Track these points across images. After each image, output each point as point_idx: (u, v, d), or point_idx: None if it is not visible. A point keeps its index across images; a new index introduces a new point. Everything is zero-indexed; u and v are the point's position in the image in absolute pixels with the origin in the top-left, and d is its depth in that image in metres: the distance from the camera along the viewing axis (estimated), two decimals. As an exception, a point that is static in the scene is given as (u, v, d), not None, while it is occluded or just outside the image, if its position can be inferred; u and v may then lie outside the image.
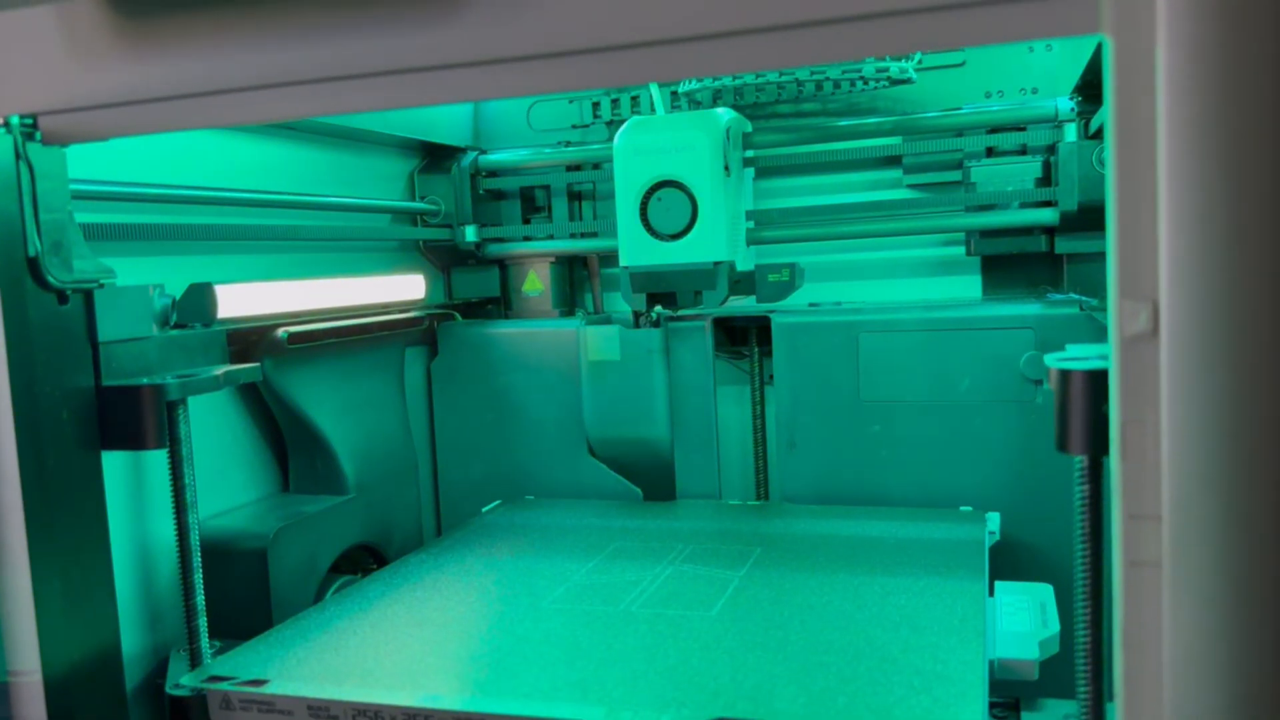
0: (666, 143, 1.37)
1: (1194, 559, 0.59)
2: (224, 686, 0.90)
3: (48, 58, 0.83)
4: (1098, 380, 0.66)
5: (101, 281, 0.92)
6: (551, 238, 1.65)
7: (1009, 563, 1.31)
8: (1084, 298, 1.35)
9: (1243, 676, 0.58)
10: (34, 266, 0.85)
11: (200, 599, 1.01)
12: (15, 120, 0.84)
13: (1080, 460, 0.70)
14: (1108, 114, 0.61)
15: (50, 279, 0.86)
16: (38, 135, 0.85)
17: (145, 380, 0.94)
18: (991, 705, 0.86)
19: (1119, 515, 0.61)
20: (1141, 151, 0.59)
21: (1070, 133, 1.36)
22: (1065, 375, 0.68)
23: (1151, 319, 0.59)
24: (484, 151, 1.65)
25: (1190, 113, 0.57)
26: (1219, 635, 0.58)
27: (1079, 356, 0.70)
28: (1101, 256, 1.45)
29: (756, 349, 1.54)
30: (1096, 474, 0.70)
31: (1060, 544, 1.32)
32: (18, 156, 0.83)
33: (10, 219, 0.83)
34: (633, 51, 0.70)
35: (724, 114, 1.40)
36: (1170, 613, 0.59)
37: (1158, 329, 0.59)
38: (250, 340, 1.21)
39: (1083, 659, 0.72)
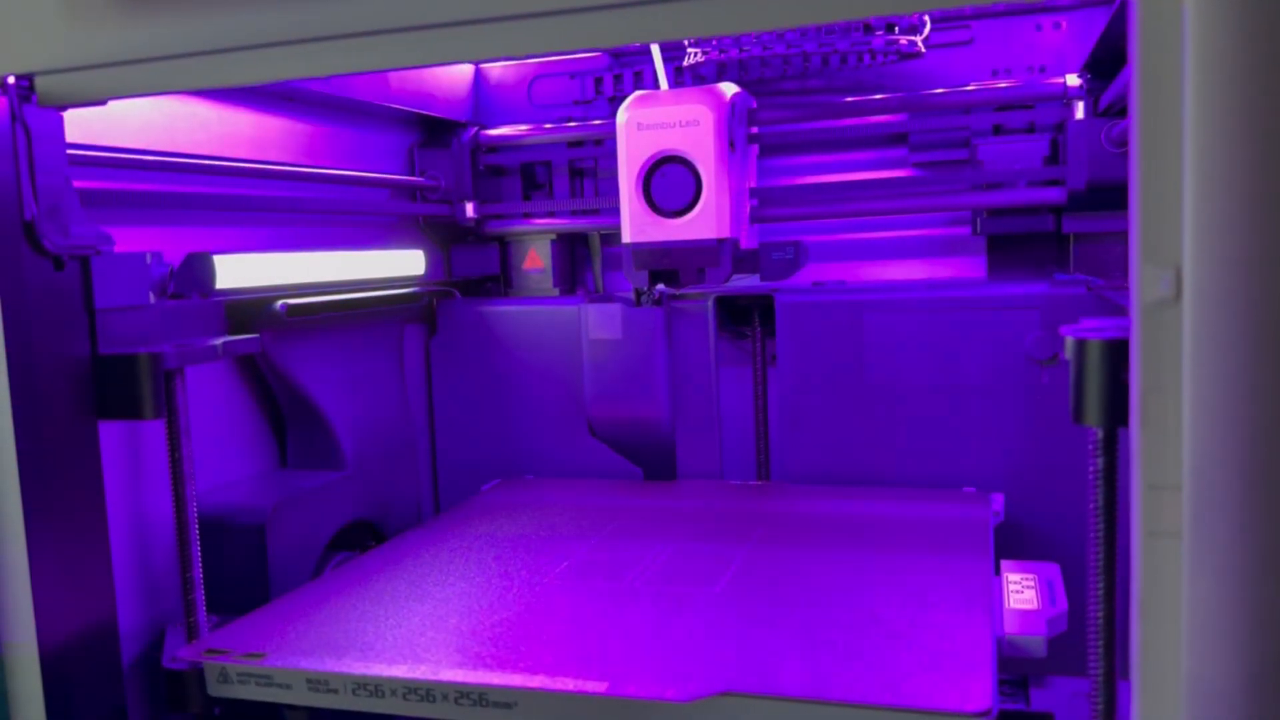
0: (670, 117, 1.35)
1: (1214, 529, 0.58)
2: (221, 660, 0.89)
3: (45, 17, 0.81)
4: (1115, 350, 0.65)
5: (99, 248, 0.90)
6: (552, 215, 1.63)
7: (1013, 544, 1.30)
8: (1091, 278, 1.34)
9: (1262, 648, 0.57)
10: (30, 231, 0.83)
11: (198, 572, 1.00)
12: (11, 80, 0.82)
13: (1095, 432, 0.69)
14: (1132, 75, 0.59)
15: (47, 244, 0.84)
16: (34, 97, 0.84)
17: (143, 349, 0.92)
18: (999, 683, 0.85)
19: (1138, 485, 0.60)
20: (1166, 114, 0.58)
21: (1079, 111, 1.34)
22: (1082, 345, 0.67)
23: (1174, 285, 0.58)
24: (484, 127, 1.63)
25: (1217, 74, 0.56)
26: (1239, 606, 0.57)
27: (1094, 328, 0.69)
28: (1109, 236, 1.45)
29: (759, 328, 1.53)
30: (1112, 446, 0.69)
31: (1065, 525, 1.32)
32: (14, 118, 0.82)
33: (6, 182, 0.82)
34: (635, 9, 0.69)
35: (729, 89, 1.38)
36: (1190, 584, 0.58)
37: (1180, 295, 0.58)
38: (248, 312, 1.20)
39: (1095, 635, 0.71)
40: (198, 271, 1.08)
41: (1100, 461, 0.69)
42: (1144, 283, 0.59)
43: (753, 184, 1.46)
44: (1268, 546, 0.57)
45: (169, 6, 0.79)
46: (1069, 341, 0.68)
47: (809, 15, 0.69)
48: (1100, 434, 0.69)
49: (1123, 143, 1.30)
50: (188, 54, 0.80)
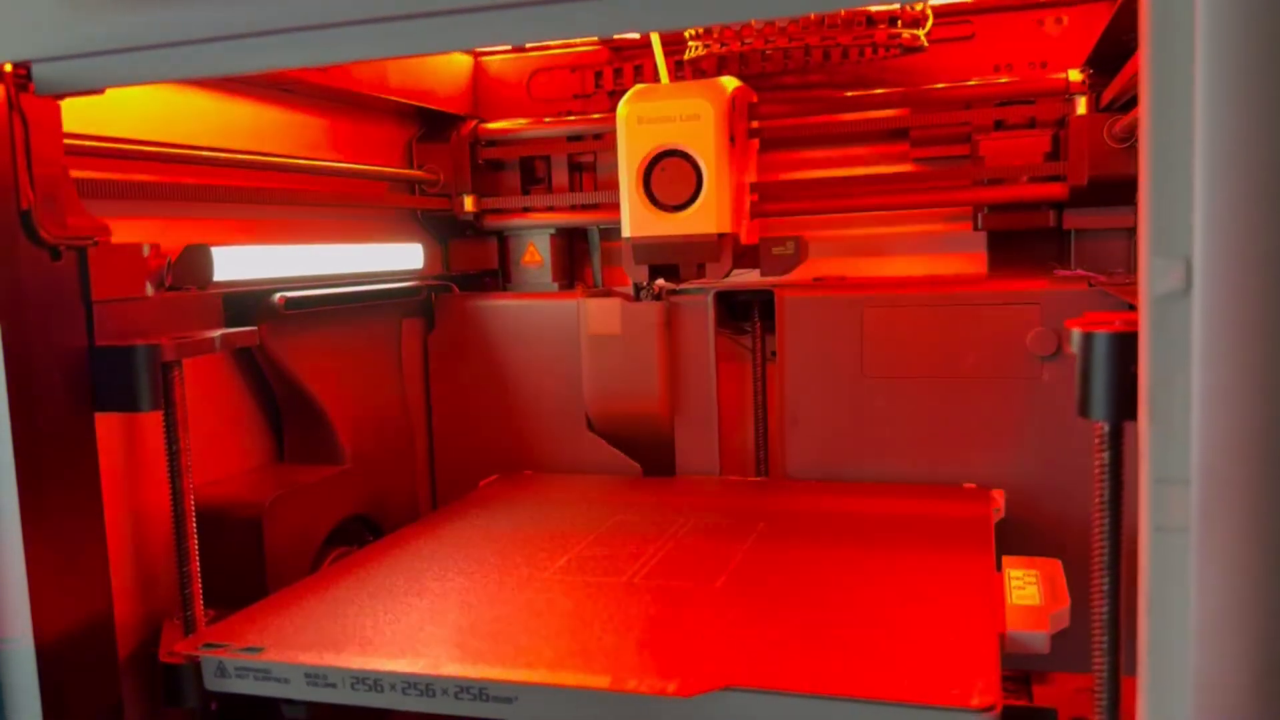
0: (670, 111, 1.34)
1: (1223, 524, 0.57)
2: (219, 653, 0.88)
3: (42, 4, 0.80)
4: (1123, 343, 0.64)
5: (96, 239, 0.89)
6: (552, 209, 1.63)
7: (1014, 540, 1.29)
8: (1091, 273, 1.34)
9: (1272, 644, 0.56)
10: (26, 220, 0.83)
11: (195, 565, 0.99)
12: (8, 69, 0.81)
13: (1102, 425, 0.69)
14: (1142, 65, 0.59)
15: (43, 234, 0.84)
16: (31, 85, 0.83)
17: (140, 341, 0.91)
18: (1002, 678, 0.85)
19: (1146, 480, 0.60)
20: (1176, 104, 0.57)
21: (1081, 106, 1.34)
22: (1088, 338, 0.66)
23: (1184, 277, 0.57)
24: (483, 120, 1.63)
25: (1229, 64, 0.55)
26: (1248, 602, 0.57)
27: (1101, 321, 0.69)
28: (1110, 232, 1.45)
29: (759, 323, 1.52)
30: (1118, 440, 0.68)
31: (1066, 521, 1.31)
32: (10, 106, 0.81)
33: (2, 171, 0.81)
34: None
35: (730, 83, 1.37)
36: (1198, 579, 0.58)
37: (1190, 287, 0.57)
38: (246, 305, 1.19)
39: (1099, 631, 0.71)
40: (195, 263, 1.07)
41: (1106, 455, 0.69)
42: (1153, 275, 0.58)
43: (753, 179, 1.46)
44: (1277, 541, 0.56)
45: (168, -6, 0.79)
46: (1076, 334, 0.67)
47: (811, 3, 0.69)
48: (1106, 428, 0.68)
49: (1124, 138, 1.30)
50: (186, 41, 0.79)
